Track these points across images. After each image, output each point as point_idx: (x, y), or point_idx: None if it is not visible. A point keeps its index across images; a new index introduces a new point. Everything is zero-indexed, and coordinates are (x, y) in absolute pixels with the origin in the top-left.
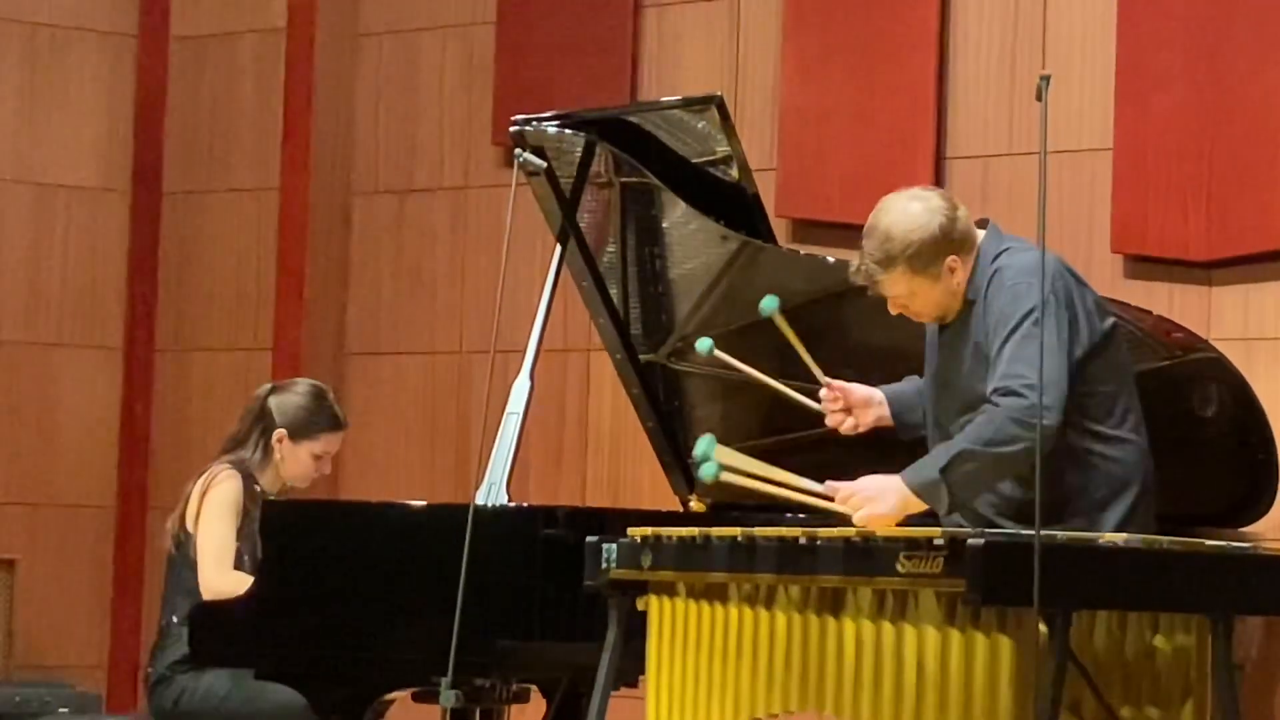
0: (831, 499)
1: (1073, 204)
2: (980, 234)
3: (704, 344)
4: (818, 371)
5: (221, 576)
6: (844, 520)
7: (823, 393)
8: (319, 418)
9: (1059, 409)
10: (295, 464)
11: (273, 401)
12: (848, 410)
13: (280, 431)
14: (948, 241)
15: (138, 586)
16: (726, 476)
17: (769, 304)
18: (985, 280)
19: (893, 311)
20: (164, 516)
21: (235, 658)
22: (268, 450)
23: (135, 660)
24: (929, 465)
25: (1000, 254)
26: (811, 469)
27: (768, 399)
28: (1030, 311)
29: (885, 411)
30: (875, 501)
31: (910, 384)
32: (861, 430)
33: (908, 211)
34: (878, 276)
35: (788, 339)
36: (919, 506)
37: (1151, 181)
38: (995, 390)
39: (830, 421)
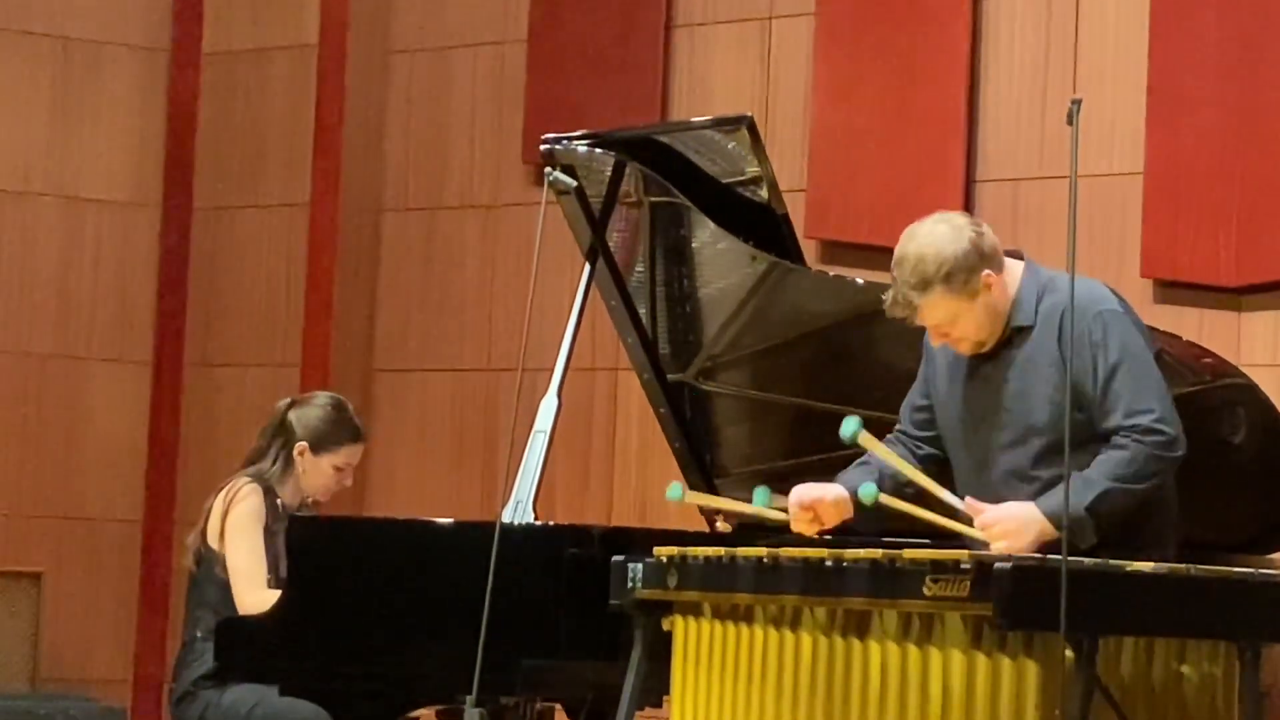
0: (971, 524)
1: (1103, 228)
2: (1011, 261)
3: (850, 426)
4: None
5: (256, 595)
6: (965, 544)
7: (792, 511)
8: (340, 430)
9: (1183, 441)
10: (317, 476)
11: (293, 415)
12: (816, 519)
13: (302, 444)
14: (980, 257)
15: (164, 601)
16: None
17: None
18: (1035, 304)
19: (935, 343)
20: (191, 531)
21: (260, 673)
22: (288, 463)
23: (161, 675)
24: (1072, 504)
25: (1046, 280)
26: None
27: (795, 419)
28: (1126, 342)
29: (849, 510)
30: (1017, 536)
31: (856, 472)
32: (825, 528)
33: (935, 233)
34: (916, 302)
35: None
36: (1052, 537)
37: (1182, 206)
38: (1129, 426)
39: (800, 530)
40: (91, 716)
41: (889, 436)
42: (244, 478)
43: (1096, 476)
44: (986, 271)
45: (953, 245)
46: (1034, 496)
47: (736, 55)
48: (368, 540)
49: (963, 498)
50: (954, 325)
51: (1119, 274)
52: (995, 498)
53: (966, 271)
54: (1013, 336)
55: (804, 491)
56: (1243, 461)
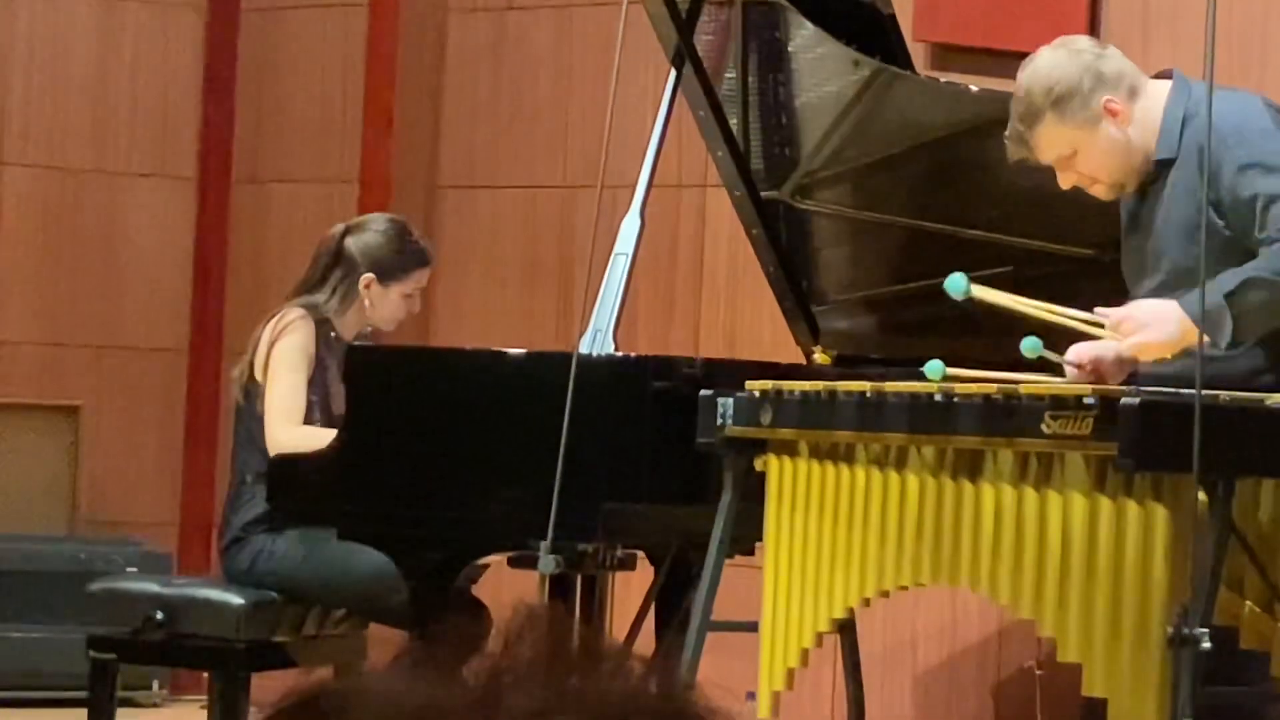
0: (1100, 325)
1: (1241, 42)
2: (1157, 84)
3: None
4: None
5: (289, 433)
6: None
7: (1070, 372)
8: (407, 256)
9: None
10: (386, 306)
11: (351, 243)
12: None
13: (368, 276)
14: (1098, 80)
15: (212, 437)
16: (977, 292)
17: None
18: (1178, 134)
19: (1065, 186)
20: (238, 363)
21: (316, 517)
22: (349, 295)
23: (209, 517)
24: (1210, 293)
25: (1196, 102)
26: (947, 320)
27: (901, 242)
28: (1271, 159)
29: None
30: (1150, 328)
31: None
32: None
33: (1047, 59)
34: (1028, 137)
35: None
36: (1194, 340)
37: None
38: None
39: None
40: (135, 561)
41: None
42: (296, 308)
43: (1242, 270)
44: (1108, 97)
45: (1064, 68)
46: None
47: None
48: (433, 372)
49: None
50: (1077, 162)
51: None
52: None
53: (1082, 96)
54: (1160, 172)
55: (1082, 350)
56: None
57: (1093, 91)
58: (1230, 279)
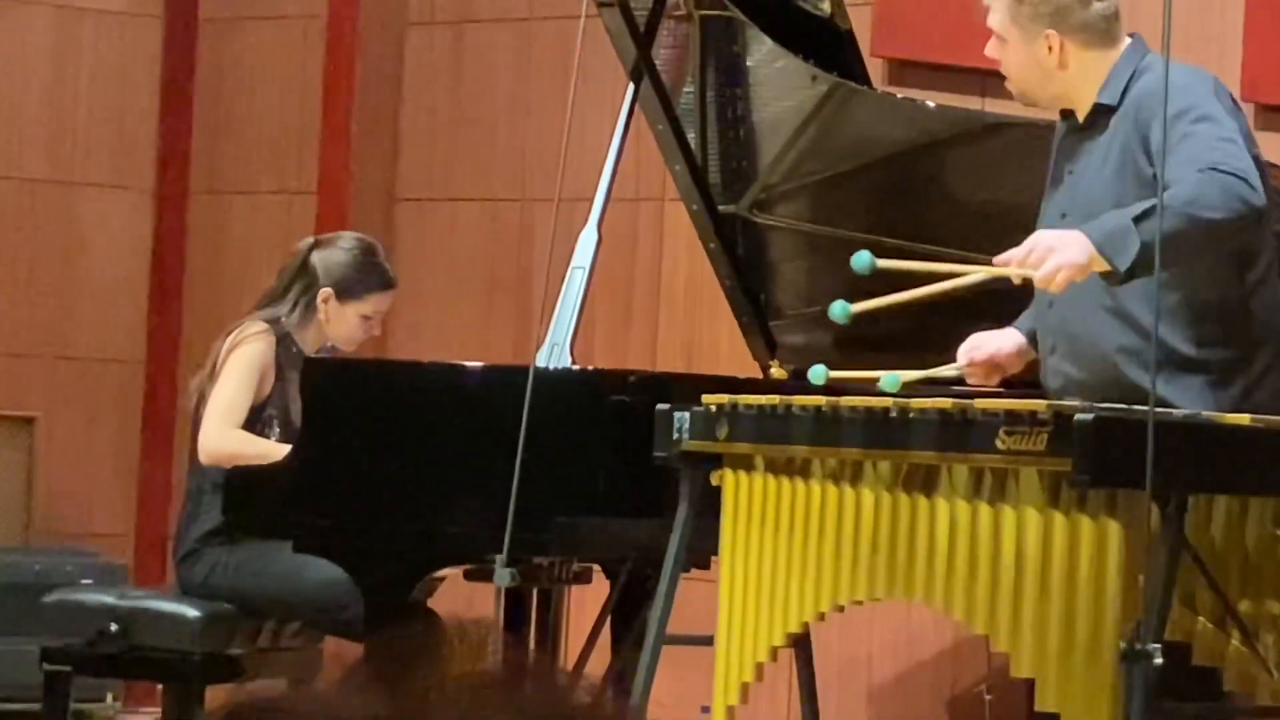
0: (1006, 274)
1: (1200, 47)
2: (1124, 43)
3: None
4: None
5: (222, 435)
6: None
7: (963, 369)
8: (368, 277)
9: (1263, 195)
10: (342, 325)
11: (316, 258)
12: (995, 368)
13: (326, 291)
14: (1056, 14)
15: (168, 449)
16: (883, 263)
17: (839, 310)
18: (1124, 86)
19: (987, 53)
20: (196, 374)
21: (272, 529)
22: (309, 309)
23: (165, 528)
24: (1115, 216)
25: (1147, 63)
26: (903, 335)
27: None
28: (1212, 113)
29: (1032, 353)
30: (1059, 251)
31: (1030, 314)
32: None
33: None
34: None
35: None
36: (1102, 266)
37: None
38: (1200, 167)
39: (978, 383)
40: (90, 573)
41: None
42: (259, 321)
43: (1151, 199)
44: (1052, 31)
45: None
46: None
47: None
48: (390, 384)
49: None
50: (1004, 50)
51: None
52: (1061, 314)
53: (1034, 8)
54: (1097, 118)
55: (979, 345)
56: None
57: (1046, 17)
58: (1141, 205)
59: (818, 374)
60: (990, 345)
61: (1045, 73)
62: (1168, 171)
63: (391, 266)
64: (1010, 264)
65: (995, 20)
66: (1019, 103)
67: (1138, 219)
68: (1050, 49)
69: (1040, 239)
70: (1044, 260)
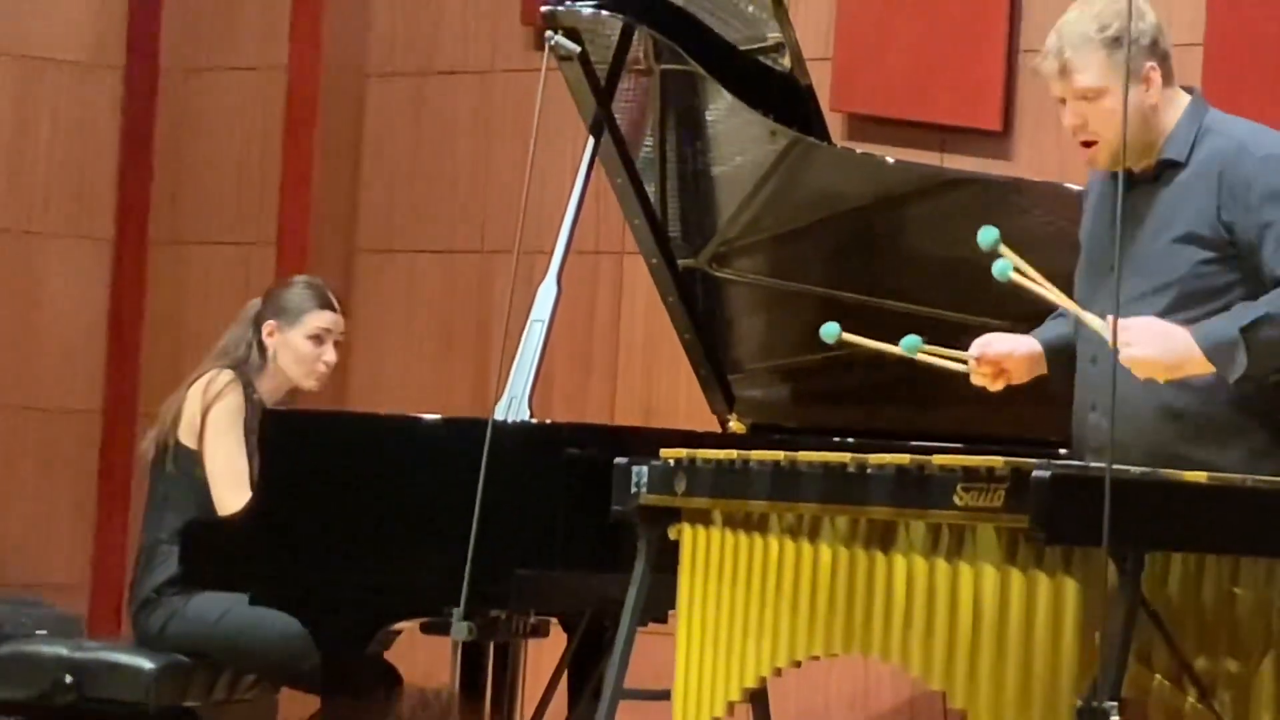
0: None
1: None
2: (1184, 93)
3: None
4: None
5: (239, 496)
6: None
7: (970, 365)
8: (304, 298)
9: None
10: (293, 353)
11: (263, 301)
12: (1001, 373)
13: (270, 323)
14: (1153, 45)
15: (125, 500)
16: (1016, 278)
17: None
18: (1191, 141)
19: (1068, 123)
20: (154, 425)
21: (229, 581)
22: (263, 351)
23: (121, 579)
24: (1222, 324)
25: (1212, 120)
26: (863, 389)
27: (816, 310)
28: None
29: (1043, 365)
30: (1150, 345)
31: (1059, 325)
32: (1013, 383)
33: (1112, 3)
34: (1068, 55)
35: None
36: (1198, 369)
37: (1245, 79)
38: None
39: (981, 384)
40: (46, 624)
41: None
42: (225, 371)
43: (1260, 305)
44: (1152, 64)
45: (1123, 17)
46: None
47: None
48: (348, 436)
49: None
50: (1098, 106)
51: None
52: (1105, 372)
53: (1137, 48)
54: (1161, 171)
55: (992, 342)
56: None
57: (1144, 53)
58: (1246, 312)
59: (830, 332)
60: (1002, 345)
61: (1144, 118)
62: (1266, 256)
63: (336, 297)
64: (1105, 328)
65: (1088, 77)
66: (1105, 169)
67: (1246, 329)
68: (1149, 81)
69: (1153, 325)
70: (1145, 346)
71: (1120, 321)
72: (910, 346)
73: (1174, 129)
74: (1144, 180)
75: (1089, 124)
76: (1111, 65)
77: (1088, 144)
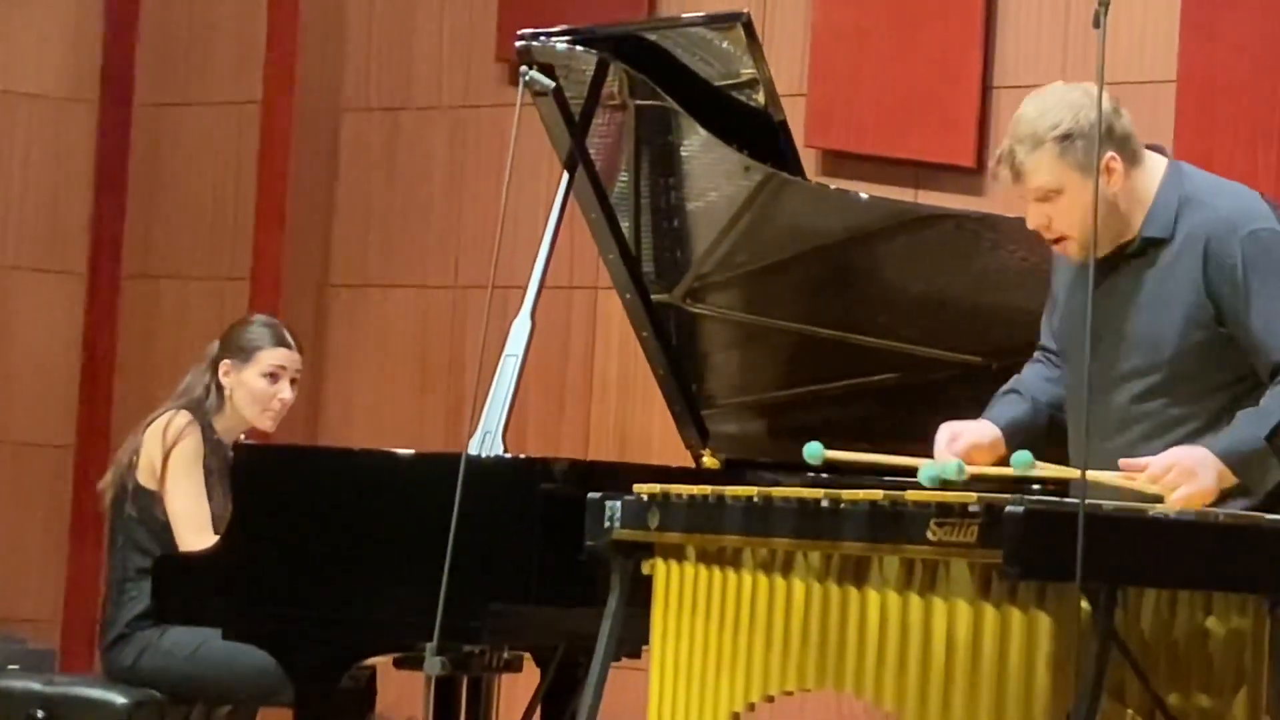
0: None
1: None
2: (1152, 156)
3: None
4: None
5: (202, 538)
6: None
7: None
8: (260, 337)
9: None
10: (248, 391)
11: (220, 341)
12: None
13: (226, 362)
14: (1106, 134)
15: (97, 534)
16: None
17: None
18: (1173, 216)
19: (1033, 224)
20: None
21: (201, 616)
22: (220, 392)
23: (93, 614)
24: (1241, 437)
25: (1191, 190)
26: (837, 424)
27: (790, 346)
28: None
29: (1003, 448)
30: (1194, 477)
31: (1012, 407)
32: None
33: (1061, 94)
34: (1021, 158)
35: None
36: (1228, 484)
37: (1218, 117)
38: None
39: None
40: (18, 659)
41: (1034, 355)
42: (182, 412)
43: (1272, 407)
44: (1111, 154)
45: (1078, 109)
46: (1146, 436)
47: None
48: (320, 471)
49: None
50: (1058, 205)
51: None
52: (1111, 430)
53: (1085, 144)
54: (1146, 249)
55: (960, 430)
56: None
57: (1103, 141)
58: (1261, 420)
59: (813, 452)
60: (971, 435)
61: (1110, 206)
62: (1259, 338)
63: (291, 334)
64: (1145, 477)
65: (1043, 178)
66: (1080, 260)
67: (1270, 436)
68: (1110, 171)
69: (1180, 461)
70: (1179, 484)
71: (1148, 472)
72: (931, 478)
73: (1154, 204)
74: (1128, 256)
75: (1053, 224)
76: (1065, 164)
77: (1058, 240)
